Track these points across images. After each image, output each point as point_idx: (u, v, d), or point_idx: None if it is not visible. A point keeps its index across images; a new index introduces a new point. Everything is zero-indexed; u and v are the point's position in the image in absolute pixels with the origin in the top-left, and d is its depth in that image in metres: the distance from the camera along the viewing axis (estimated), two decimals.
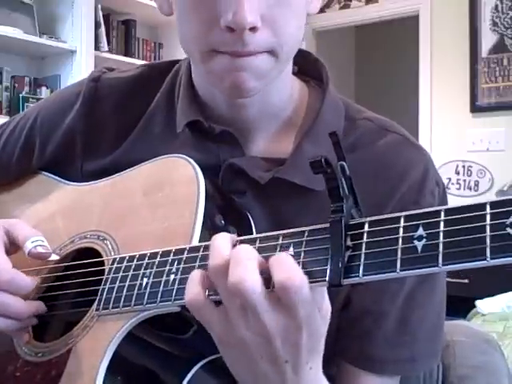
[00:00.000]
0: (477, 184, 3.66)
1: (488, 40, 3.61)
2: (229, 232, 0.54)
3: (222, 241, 0.51)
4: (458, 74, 3.72)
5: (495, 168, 3.60)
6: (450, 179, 3.65)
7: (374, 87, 5.37)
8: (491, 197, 3.48)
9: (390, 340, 0.67)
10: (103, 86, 0.79)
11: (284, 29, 0.62)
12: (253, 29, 0.59)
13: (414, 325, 0.68)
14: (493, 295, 2.72)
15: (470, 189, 3.68)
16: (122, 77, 0.80)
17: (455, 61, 3.73)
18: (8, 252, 0.67)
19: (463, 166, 3.70)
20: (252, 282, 0.47)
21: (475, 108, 3.66)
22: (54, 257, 0.68)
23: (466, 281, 2.87)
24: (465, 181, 3.69)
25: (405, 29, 4.68)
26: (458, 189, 3.67)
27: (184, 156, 0.67)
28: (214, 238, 0.52)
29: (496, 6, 3.59)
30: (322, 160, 0.47)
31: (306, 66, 0.77)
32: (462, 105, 3.70)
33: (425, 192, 0.68)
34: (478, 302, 2.70)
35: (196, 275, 0.52)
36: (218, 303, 0.51)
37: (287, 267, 0.47)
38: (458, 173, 3.70)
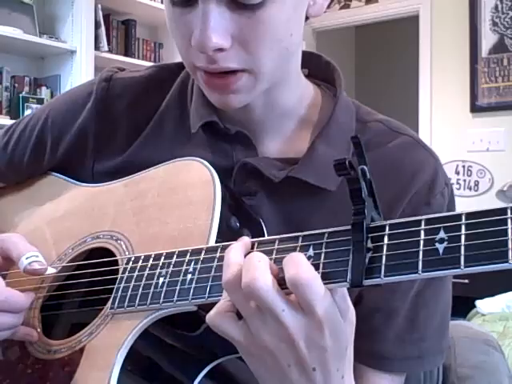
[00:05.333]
0: (477, 184, 3.66)
1: (488, 40, 3.62)
2: (243, 234, 0.54)
3: (233, 254, 0.52)
4: (458, 74, 3.72)
5: (495, 168, 3.60)
6: (450, 179, 3.65)
7: (373, 87, 5.38)
8: (491, 197, 3.49)
9: (398, 338, 0.68)
10: (115, 85, 0.79)
11: (258, 49, 0.61)
12: (219, 50, 0.59)
13: (421, 322, 0.68)
14: (493, 295, 2.72)
15: (470, 189, 3.68)
16: (132, 77, 0.80)
17: (455, 61, 3.73)
18: (1, 268, 0.68)
19: (463, 166, 3.70)
20: (264, 279, 0.48)
21: (475, 108, 3.67)
22: (51, 270, 0.68)
23: (466, 281, 2.88)
24: (465, 181, 3.70)
25: (405, 29, 4.69)
26: (458, 189, 3.67)
27: (199, 159, 0.67)
28: (226, 252, 0.53)
29: (496, 6, 3.59)
30: (346, 162, 0.48)
31: (316, 69, 0.78)
32: (462, 105, 3.70)
33: (435, 192, 0.69)
34: (478, 302, 2.70)
35: None
36: (239, 317, 0.52)
37: (296, 263, 0.48)
38: (457, 173, 3.70)
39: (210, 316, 0.52)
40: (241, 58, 0.61)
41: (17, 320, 0.65)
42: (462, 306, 2.47)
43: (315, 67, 0.78)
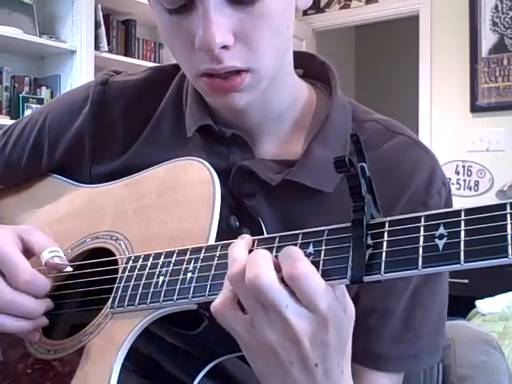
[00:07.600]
0: (477, 184, 3.67)
1: (488, 40, 3.62)
2: (243, 233, 0.55)
3: (239, 249, 0.52)
4: (458, 74, 3.72)
5: (495, 168, 3.60)
6: (449, 179, 3.65)
7: (374, 87, 5.38)
8: (491, 197, 3.49)
9: (394, 337, 0.68)
10: (111, 88, 0.79)
11: (260, 44, 0.61)
12: (224, 47, 0.60)
13: (417, 322, 0.69)
14: (493, 295, 2.72)
15: (470, 189, 3.68)
16: (129, 80, 0.80)
17: (455, 61, 3.74)
18: None
19: (463, 166, 3.70)
20: (268, 276, 0.48)
21: (475, 108, 3.67)
22: (69, 269, 0.68)
23: (466, 281, 2.88)
24: (465, 181, 3.70)
25: (405, 29, 4.69)
26: (458, 189, 3.68)
27: (198, 158, 0.67)
28: (230, 247, 0.53)
29: (496, 6, 3.60)
30: (346, 160, 0.48)
31: (311, 69, 0.77)
32: (462, 105, 3.71)
33: (432, 192, 0.69)
34: (477, 302, 2.70)
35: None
36: (244, 310, 0.51)
37: (291, 257, 0.48)
38: (457, 173, 3.71)
39: (215, 305, 0.52)
40: (244, 57, 0.61)
41: (33, 304, 0.63)
42: (462, 306, 2.47)
43: (310, 67, 0.77)
